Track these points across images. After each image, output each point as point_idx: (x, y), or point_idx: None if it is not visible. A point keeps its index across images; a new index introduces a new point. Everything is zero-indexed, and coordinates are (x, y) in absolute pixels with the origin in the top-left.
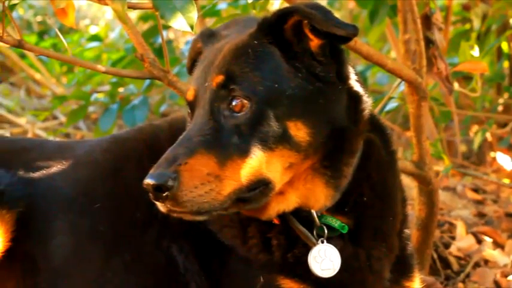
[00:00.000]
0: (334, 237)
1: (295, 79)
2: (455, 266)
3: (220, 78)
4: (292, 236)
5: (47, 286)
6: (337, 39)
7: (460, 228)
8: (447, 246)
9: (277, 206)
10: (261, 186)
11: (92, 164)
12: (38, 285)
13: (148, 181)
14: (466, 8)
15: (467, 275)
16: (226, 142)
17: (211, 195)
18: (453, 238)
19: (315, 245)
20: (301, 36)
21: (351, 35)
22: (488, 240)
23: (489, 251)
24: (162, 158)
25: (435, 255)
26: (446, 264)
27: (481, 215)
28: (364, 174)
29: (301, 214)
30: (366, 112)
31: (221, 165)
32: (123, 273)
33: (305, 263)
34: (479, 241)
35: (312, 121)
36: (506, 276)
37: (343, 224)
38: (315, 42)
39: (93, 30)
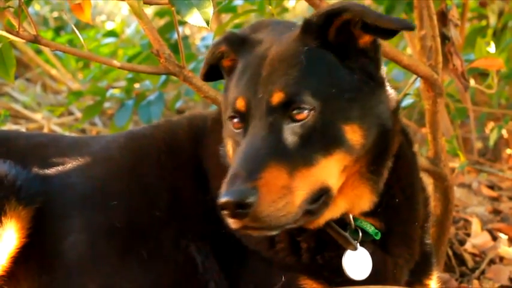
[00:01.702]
0: (366, 242)
1: (352, 81)
2: (470, 263)
3: (278, 90)
4: (322, 239)
5: (62, 283)
6: (385, 34)
7: (476, 225)
8: (462, 243)
9: (327, 214)
10: (323, 195)
11: (109, 160)
12: (53, 281)
13: (228, 199)
14: (482, 4)
15: (483, 272)
16: (291, 153)
17: (287, 208)
18: (468, 235)
19: (355, 249)
20: (349, 35)
21: (409, 28)
22: (503, 237)
23: (504, 248)
24: (232, 175)
25: (450, 252)
26: (461, 261)
27: (496, 211)
28: (395, 176)
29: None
30: (399, 112)
31: (290, 176)
32: (140, 270)
33: (333, 266)
34: (495, 238)
35: (366, 123)
36: None
37: (377, 231)
38: (365, 40)
39: (109, 26)
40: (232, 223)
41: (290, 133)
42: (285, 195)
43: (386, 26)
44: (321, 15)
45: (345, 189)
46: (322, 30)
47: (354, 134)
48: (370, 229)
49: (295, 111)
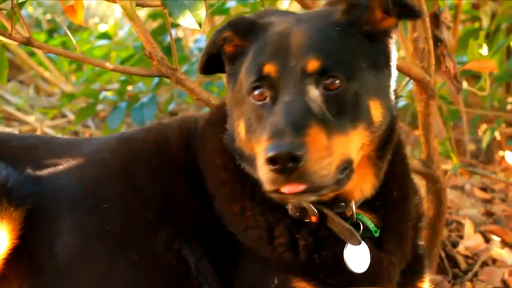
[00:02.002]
0: (364, 237)
1: (377, 60)
2: (463, 265)
3: (313, 58)
4: (320, 237)
5: (52, 284)
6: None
7: (468, 227)
8: (455, 245)
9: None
10: (348, 166)
11: (100, 163)
12: (44, 283)
13: (280, 151)
14: (475, 6)
15: (475, 274)
16: (325, 118)
17: (329, 169)
18: (461, 237)
19: (359, 243)
20: (375, 18)
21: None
22: (496, 239)
23: (497, 250)
24: (275, 131)
25: (443, 254)
26: (454, 263)
27: (489, 213)
28: (392, 171)
29: (335, 210)
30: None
31: (328, 139)
32: (131, 273)
33: (328, 267)
34: (487, 240)
35: (385, 102)
36: None
37: (376, 229)
38: (390, 22)
39: (102, 28)
40: (275, 181)
41: (324, 101)
42: (327, 156)
43: (411, 9)
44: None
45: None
46: (356, 12)
47: (376, 111)
48: (370, 225)
49: (328, 80)
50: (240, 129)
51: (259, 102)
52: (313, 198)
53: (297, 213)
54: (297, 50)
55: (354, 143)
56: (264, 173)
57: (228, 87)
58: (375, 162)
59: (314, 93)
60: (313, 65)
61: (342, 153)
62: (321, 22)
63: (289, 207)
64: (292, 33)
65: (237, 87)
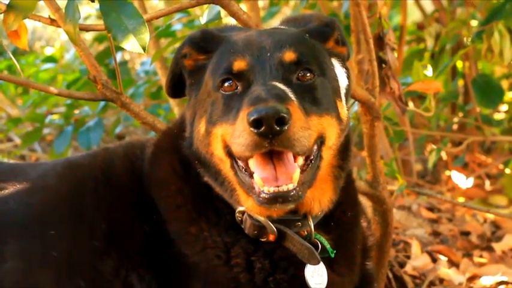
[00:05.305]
0: (321, 257)
1: (341, 72)
2: (410, 285)
3: (290, 51)
4: (276, 259)
5: None
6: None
7: (415, 247)
8: (402, 265)
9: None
10: (320, 145)
11: (46, 189)
12: None
13: (268, 112)
14: (420, 27)
15: None
16: (301, 102)
17: (309, 139)
18: (408, 257)
19: (318, 262)
20: (334, 42)
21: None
22: (443, 259)
23: (444, 270)
24: (258, 99)
25: (390, 275)
26: (401, 283)
27: (436, 233)
28: (345, 192)
29: (293, 230)
30: None
31: (305, 117)
32: None
33: None
34: (434, 260)
35: (346, 107)
36: None
37: (333, 250)
38: (343, 50)
39: (48, 51)
40: (258, 145)
41: (298, 88)
42: (307, 128)
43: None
44: (320, 26)
45: (316, 182)
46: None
47: (342, 109)
48: (327, 246)
49: (302, 73)
50: (201, 126)
51: (229, 92)
52: (292, 206)
53: (255, 232)
54: (272, 44)
55: (327, 124)
56: (244, 139)
57: (190, 98)
58: (335, 172)
59: (290, 80)
60: (289, 56)
61: (318, 129)
62: (292, 30)
63: (247, 225)
64: (262, 35)
65: (202, 90)
